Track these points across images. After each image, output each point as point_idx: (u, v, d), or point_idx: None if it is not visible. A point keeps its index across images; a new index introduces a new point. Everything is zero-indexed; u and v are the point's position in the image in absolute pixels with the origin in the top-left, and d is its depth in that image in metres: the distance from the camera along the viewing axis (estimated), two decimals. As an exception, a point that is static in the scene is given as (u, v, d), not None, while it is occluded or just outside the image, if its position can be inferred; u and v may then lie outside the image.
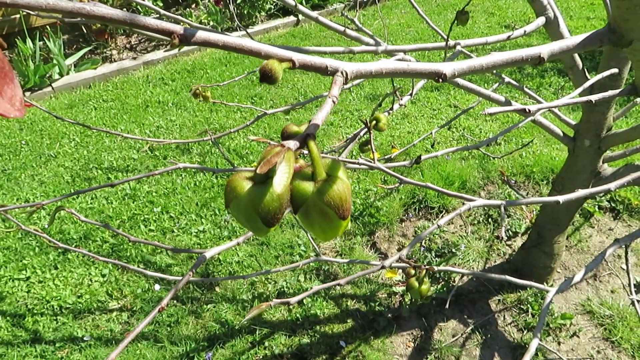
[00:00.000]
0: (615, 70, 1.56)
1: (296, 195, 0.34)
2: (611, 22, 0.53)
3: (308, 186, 0.34)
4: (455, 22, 1.09)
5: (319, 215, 0.33)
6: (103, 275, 2.29)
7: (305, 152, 0.34)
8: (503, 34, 1.49)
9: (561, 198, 0.68)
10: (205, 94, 1.31)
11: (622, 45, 0.51)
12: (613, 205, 2.60)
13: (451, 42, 1.56)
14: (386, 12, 5.51)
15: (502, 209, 0.67)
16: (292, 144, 0.32)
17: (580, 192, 0.69)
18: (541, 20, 1.54)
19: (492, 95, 1.74)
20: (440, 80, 0.41)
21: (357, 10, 1.57)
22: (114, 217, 2.63)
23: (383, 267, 0.67)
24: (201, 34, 0.34)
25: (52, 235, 2.48)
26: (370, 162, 0.73)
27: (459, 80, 1.69)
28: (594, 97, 0.46)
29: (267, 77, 0.32)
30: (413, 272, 0.79)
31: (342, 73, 0.34)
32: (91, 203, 2.73)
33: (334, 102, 0.32)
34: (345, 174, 0.34)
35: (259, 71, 0.32)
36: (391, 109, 0.91)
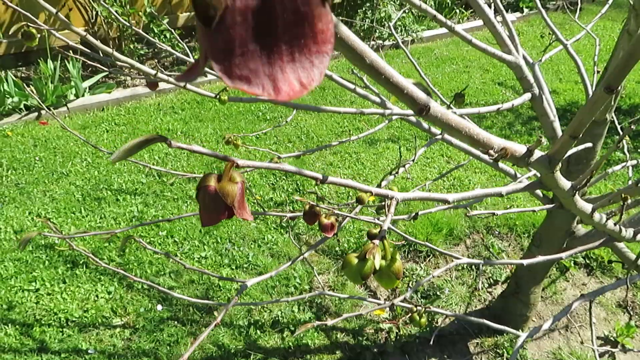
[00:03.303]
0: (589, 144, 1.79)
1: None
2: (541, 179, 0.78)
3: (383, 262, 0.62)
4: (453, 101, 1.30)
5: (387, 276, 0.62)
6: (109, 293, 2.43)
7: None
8: (493, 106, 1.70)
9: (525, 262, 0.86)
10: (236, 142, 1.51)
11: (550, 190, 0.78)
12: (588, 261, 2.81)
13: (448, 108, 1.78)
14: (388, 60, 5.81)
15: (481, 267, 0.85)
16: (377, 242, 0.57)
17: (540, 258, 0.88)
18: (527, 95, 1.76)
19: (481, 155, 1.95)
20: (446, 204, 0.62)
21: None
22: (121, 236, 2.77)
23: (392, 305, 0.85)
24: (331, 179, 0.56)
25: (62, 252, 2.62)
26: (382, 223, 0.92)
27: (453, 140, 1.90)
28: (504, 190, 0.67)
29: (359, 202, 0.53)
30: (415, 309, 0.98)
31: (395, 199, 0.55)
32: (100, 222, 2.89)
33: (390, 220, 0.53)
34: (399, 256, 0.57)
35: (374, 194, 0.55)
36: (396, 172, 1.11)
